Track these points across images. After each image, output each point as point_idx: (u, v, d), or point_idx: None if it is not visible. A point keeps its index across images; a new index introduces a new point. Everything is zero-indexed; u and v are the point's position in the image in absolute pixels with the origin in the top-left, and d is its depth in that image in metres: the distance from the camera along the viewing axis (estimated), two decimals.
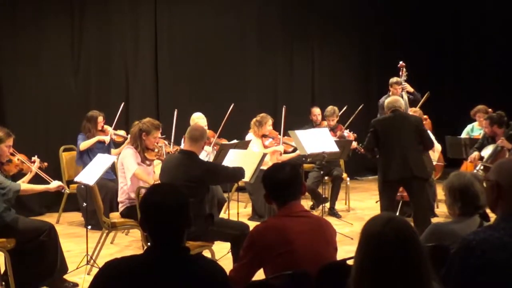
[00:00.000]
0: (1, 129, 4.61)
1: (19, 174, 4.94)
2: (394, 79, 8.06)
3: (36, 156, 5.01)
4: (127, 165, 5.41)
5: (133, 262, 2.20)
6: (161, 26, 8.43)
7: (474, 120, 7.87)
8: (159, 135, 6.29)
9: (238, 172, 4.77)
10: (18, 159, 4.80)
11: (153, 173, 5.67)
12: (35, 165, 4.88)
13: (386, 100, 6.07)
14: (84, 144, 6.74)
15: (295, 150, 7.31)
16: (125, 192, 5.38)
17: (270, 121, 7.29)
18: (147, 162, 5.57)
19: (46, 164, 5.04)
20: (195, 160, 4.60)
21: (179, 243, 2.22)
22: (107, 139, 6.76)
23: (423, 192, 5.78)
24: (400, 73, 7.97)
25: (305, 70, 9.88)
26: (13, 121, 7.12)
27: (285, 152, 7.45)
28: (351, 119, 7.60)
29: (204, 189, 4.51)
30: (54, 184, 4.78)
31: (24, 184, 4.65)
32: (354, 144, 7.41)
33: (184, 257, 2.22)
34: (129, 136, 6.78)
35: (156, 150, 5.67)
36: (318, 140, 6.17)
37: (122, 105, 7.10)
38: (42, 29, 7.58)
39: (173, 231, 2.22)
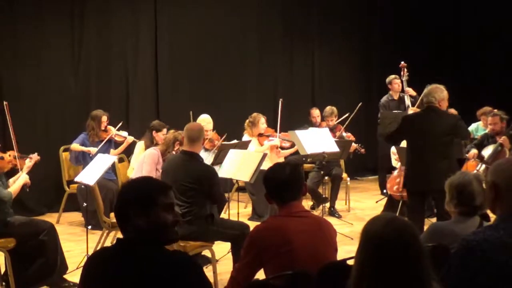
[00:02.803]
0: None
1: (14, 171, 4.89)
2: (391, 76, 8.13)
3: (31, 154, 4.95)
4: (145, 169, 5.37)
5: (106, 252, 2.31)
6: (161, 26, 8.42)
7: (478, 120, 7.88)
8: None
9: (224, 198, 4.80)
10: (10, 155, 4.73)
11: None
12: (29, 162, 4.81)
13: (425, 90, 5.44)
14: (74, 146, 6.75)
15: (293, 145, 7.32)
16: None
17: (262, 119, 7.31)
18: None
19: (39, 158, 4.99)
20: (197, 160, 4.64)
21: (133, 235, 2.22)
22: (93, 150, 6.64)
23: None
24: (402, 73, 8.00)
25: (305, 70, 9.88)
26: (13, 121, 7.10)
27: (283, 148, 7.46)
28: (349, 119, 7.59)
29: (205, 190, 4.52)
30: (25, 178, 4.67)
31: (12, 188, 4.56)
32: (354, 145, 7.41)
33: (137, 249, 2.20)
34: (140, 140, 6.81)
35: None
36: (318, 140, 6.17)
37: (120, 124, 7.03)
38: (42, 29, 7.58)
39: (128, 224, 2.24)
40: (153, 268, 2.14)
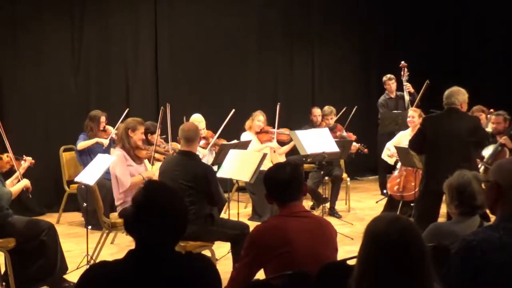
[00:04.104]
0: None
1: (12, 171, 4.88)
2: (386, 76, 8.31)
3: (26, 156, 4.96)
4: (120, 179, 5.23)
5: (116, 266, 2.12)
6: (161, 26, 8.42)
7: None
8: (159, 136, 6.32)
9: (223, 198, 4.76)
10: (7, 156, 4.76)
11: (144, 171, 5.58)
12: (25, 164, 4.84)
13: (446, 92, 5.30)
14: (81, 144, 6.74)
15: (291, 139, 7.36)
16: (121, 197, 5.32)
17: (260, 117, 7.38)
18: (138, 161, 5.53)
19: (33, 161, 5.01)
20: (196, 159, 4.66)
21: (164, 246, 2.13)
22: (105, 142, 6.72)
23: None
24: (402, 73, 8.07)
25: (305, 70, 9.88)
26: (13, 121, 7.13)
27: (282, 142, 7.47)
28: (348, 120, 7.64)
29: (204, 188, 4.53)
30: (26, 181, 4.67)
31: (12, 188, 4.57)
32: (356, 145, 7.42)
33: (168, 259, 2.13)
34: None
35: (147, 149, 5.65)
36: (318, 140, 6.17)
37: (127, 111, 7.04)
38: (42, 29, 7.58)
39: (158, 234, 2.11)
40: (182, 271, 2.12)
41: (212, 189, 4.55)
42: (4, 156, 4.75)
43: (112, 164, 5.30)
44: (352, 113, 7.70)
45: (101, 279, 2.08)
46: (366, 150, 7.53)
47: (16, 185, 4.65)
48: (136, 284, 2.06)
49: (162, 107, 6.38)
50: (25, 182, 4.66)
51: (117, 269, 2.10)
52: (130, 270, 2.08)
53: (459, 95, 5.16)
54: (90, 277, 2.11)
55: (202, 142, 7.00)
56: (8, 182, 4.75)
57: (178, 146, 6.29)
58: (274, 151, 7.25)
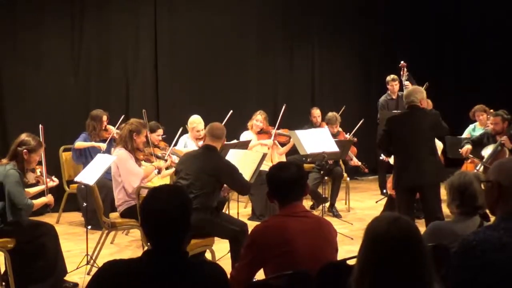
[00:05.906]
0: (34, 138, 4.57)
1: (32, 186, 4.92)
2: (390, 76, 8.29)
3: (54, 177, 5.00)
4: (132, 169, 5.34)
5: (132, 265, 2.17)
6: (161, 26, 8.43)
7: (475, 121, 7.89)
8: (160, 137, 6.36)
9: (248, 184, 4.87)
10: (40, 171, 4.80)
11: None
12: (50, 183, 4.86)
13: (404, 92, 5.51)
14: (79, 144, 6.75)
15: (289, 139, 7.37)
16: (122, 196, 5.35)
17: (258, 116, 7.40)
18: (138, 163, 5.57)
19: (57, 183, 5.06)
20: (216, 153, 4.77)
21: (179, 248, 2.20)
22: (103, 146, 6.69)
23: (436, 198, 5.24)
24: (401, 72, 8.08)
25: (305, 70, 9.89)
26: (13, 121, 7.12)
27: (282, 143, 7.49)
28: (353, 130, 7.70)
29: (217, 183, 4.63)
30: (50, 198, 4.74)
31: (35, 201, 4.61)
32: (358, 162, 7.50)
33: (184, 261, 2.19)
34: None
35: (145, 151, 5.70)
36: (318, 140, 6.17)
37: (122, 117, 6.96)
38: (42, 29, 7.58)
39: (174, 235, 2.19)
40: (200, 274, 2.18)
41: (237, 180, 4.72)
42: (38, 171, 4.78)
43: (115, 164, 5.32)
44: (358, 125, 7.75)
45: (116, 276, 2.13)
46: (366, 170, 7.67)
47: (41, 199, 4.68)
48: (150, 283, 2.10)
49: (144, 110, 6.33)
50: (50, 198, 4.71)
51: (132, 267, 2.16)
52: (145, 269, 2.13)
53: (417, 93, 5.37)
54: (105, 274, 2.16)
55: (201, 143, 6.99)
56: (30, 190, 4.75)
57: (180, 151, 6.32)
58: (269, 148, 7.25)
